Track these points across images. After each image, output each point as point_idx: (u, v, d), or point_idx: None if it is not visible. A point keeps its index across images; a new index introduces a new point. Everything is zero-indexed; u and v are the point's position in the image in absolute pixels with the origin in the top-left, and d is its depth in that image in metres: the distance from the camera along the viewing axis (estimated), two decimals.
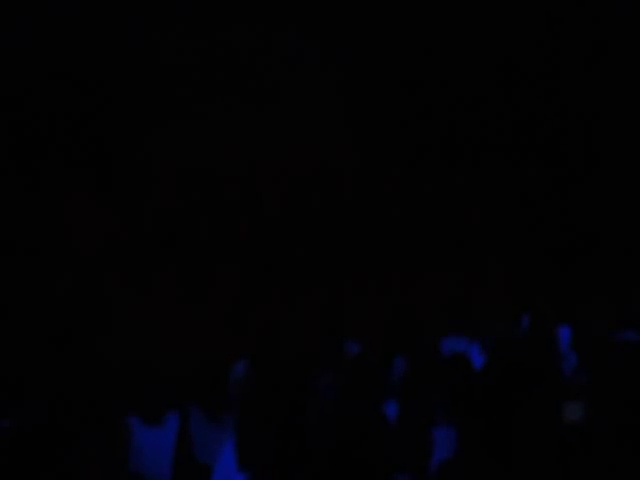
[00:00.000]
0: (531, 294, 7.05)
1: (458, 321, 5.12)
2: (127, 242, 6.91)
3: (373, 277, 7.40)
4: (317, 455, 3.18)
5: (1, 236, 6.60)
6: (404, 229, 7.39)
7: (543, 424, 3.20)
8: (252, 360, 4.43)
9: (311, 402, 3.73)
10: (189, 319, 7.31)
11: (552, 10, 7.55)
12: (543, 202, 7.70)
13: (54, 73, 6.77)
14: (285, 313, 6.95)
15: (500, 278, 7.53)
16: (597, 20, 7.51)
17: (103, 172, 6.85)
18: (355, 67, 7.14)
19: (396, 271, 7.45)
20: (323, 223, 7.18)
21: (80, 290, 6.74)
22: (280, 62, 6.89)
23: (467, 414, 3.28)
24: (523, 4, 7.50)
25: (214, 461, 3.38)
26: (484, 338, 4.94)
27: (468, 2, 7.40)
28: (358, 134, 7.13)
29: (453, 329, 5.07)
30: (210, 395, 3.86)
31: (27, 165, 6.82)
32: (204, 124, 6.73)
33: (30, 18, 6.60)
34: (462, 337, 4.96)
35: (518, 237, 7.65)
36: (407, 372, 4.06)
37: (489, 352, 4.33)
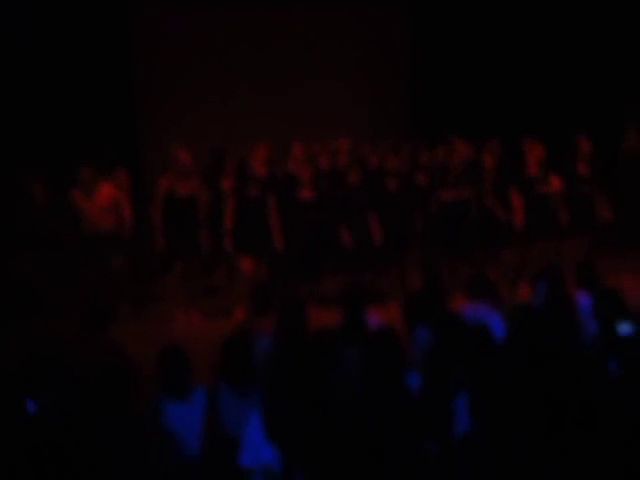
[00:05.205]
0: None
1: (479, 288, 5.12)
2: None
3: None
4: (343, 427, 3.24)
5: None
6: None
7: (562, 394, 3.22)
8: (277, 335, 4.46)
9: (335, 375, 3.78)
10: (213, 295, 7.40)
11: None
12: None
13: None
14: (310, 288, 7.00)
15: None
16: None
17: None
18: None
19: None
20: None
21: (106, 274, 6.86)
22: None
23: (485, 384, 3.31)
24: None
25: (242, 434, 3.45)
26: (504, 305, 4.95)
27: None
28: None
29: (475, 296, 5.08)
30: (237, 369, 3.91)
31: None
32: None
33: None
34: (483, 304, 4.97)
35: None
36: (429, 343, 4.09)
37: (509, 320, 4.31)
